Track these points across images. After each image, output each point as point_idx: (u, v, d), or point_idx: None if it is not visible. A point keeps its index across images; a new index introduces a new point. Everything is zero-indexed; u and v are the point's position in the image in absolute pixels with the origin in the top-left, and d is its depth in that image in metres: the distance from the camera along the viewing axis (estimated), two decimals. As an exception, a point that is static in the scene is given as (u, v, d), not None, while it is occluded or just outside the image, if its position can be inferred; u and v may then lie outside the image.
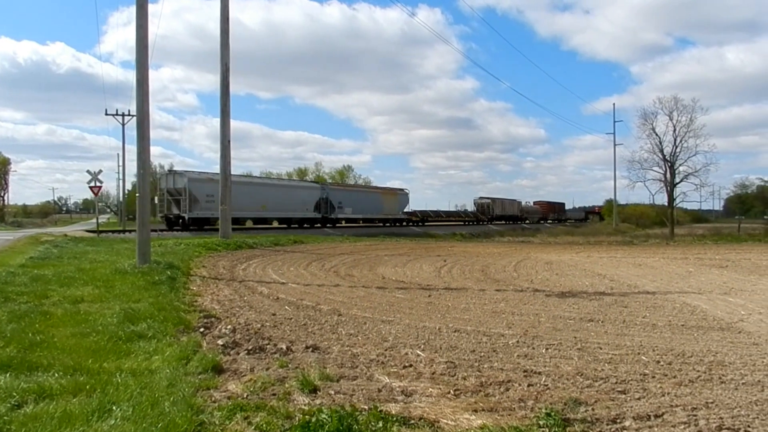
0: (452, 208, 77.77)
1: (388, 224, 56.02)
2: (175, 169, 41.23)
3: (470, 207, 77.34)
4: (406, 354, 7.01)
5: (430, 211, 68.78)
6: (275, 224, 46.67)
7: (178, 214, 38.99)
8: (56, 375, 5.61)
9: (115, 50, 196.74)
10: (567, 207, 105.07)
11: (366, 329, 8.49)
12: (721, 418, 4.77)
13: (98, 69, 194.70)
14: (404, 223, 59.13)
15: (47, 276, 12.93)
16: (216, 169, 29.69)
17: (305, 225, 47.36)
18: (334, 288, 13.19)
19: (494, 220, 73.07)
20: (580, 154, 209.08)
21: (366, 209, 54.24)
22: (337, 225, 49.87)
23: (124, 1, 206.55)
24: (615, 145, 71.02)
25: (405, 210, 61.36)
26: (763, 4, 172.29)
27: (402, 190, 61.97)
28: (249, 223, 44.76)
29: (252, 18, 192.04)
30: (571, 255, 24.52)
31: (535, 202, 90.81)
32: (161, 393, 5.09)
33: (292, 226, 46.08)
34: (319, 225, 48.32)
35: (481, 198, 75.10)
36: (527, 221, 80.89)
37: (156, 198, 37.72)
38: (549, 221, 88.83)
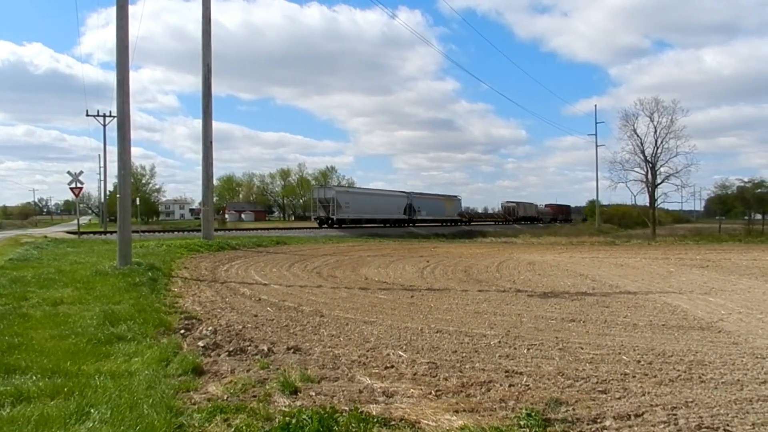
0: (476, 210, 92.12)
1: (447, 224, 69.37)
2: (324, 184, 56.40)
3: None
4: (388, 355, 7.00)
5: (474, 213, 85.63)
6: (368, 224, 57.96)
7: (326, 216, 52.81)
8: (34, 378, 5.53)
9: (94, 51, 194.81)
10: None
11: (348, 330, 8.48)
12: (700, 417, 4.81)
13: (77, 70, 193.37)
14: (458, 223, 72.52)
15: (27, 278, 12.78)
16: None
17: (396, 225, 60.18)
18: (317, 289, 13.15)
19: (518, 220, 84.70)
20: (562, 155, 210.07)
21: (435, 212, 68.94)
22: (416, 225, 62.47)
23: (101, 2, 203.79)
24: (597, 146, 71.37)
25: (458, 212, 76.21)
26: (739, 7, 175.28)
27: (456, 196, 77.94)
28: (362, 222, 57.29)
29: (232, 19, 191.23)
30: (554, 255, 24.63)
31: (546, 205, 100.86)
32: (140, 395, 5.04)
33: (387, 225, 58.63)
34: (404, 224, 61.24)
35: (507, 202, 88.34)
36: (541, 221, 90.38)
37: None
38: (558, 221, 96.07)
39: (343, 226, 52.05)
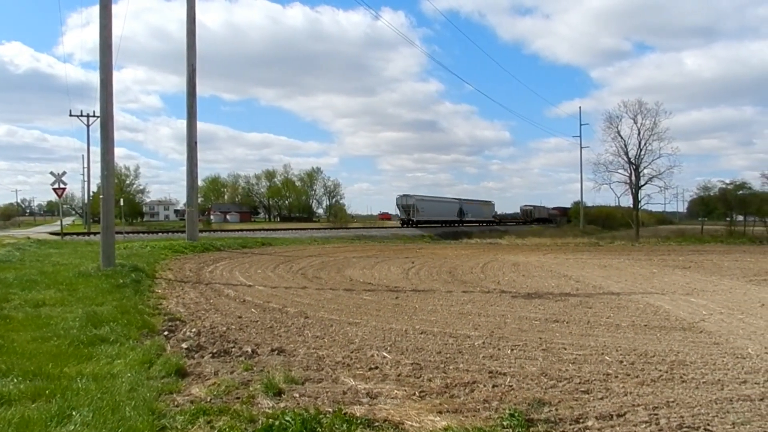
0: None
1: (484, 224, 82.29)
2: (406, 194, 69.23)
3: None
4: (372, 356, 7.01)
5: (503, 215, 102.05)
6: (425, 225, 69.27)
7: (407, 218, 66.33)
8: (15, 380, 5.48)
9: (75, 51, 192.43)
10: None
11: (332, 331, 8.47)
12: (681, 416, 4.85)
13: (58, 69, 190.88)
14: (492, 223, 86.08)
15: (8, 279, 12.65)
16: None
17: (451, 225, 71.62)
18: (302, 290, 13.13)
19: (533, 221, 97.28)
20: (545, 156, 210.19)
21: (477, 214, 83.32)
22: (465, 224, 74.61)
23: (82, 1, 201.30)
24: (581, 147, 71.55)
25: (492, 214, 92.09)
26: (718, 10, 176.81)
27: (491, 202, 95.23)
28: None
29: (214, 20, 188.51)
30: (538, 256, 24.75)
31: (553, 208, 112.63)
32: (122, 398, 5.01)
33: (444, 225, 69.93)
34: (456, 225, 72.95)
35: (525, 205, 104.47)
36: (551, 222, 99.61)
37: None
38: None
39: (419, 225, 64.94)
